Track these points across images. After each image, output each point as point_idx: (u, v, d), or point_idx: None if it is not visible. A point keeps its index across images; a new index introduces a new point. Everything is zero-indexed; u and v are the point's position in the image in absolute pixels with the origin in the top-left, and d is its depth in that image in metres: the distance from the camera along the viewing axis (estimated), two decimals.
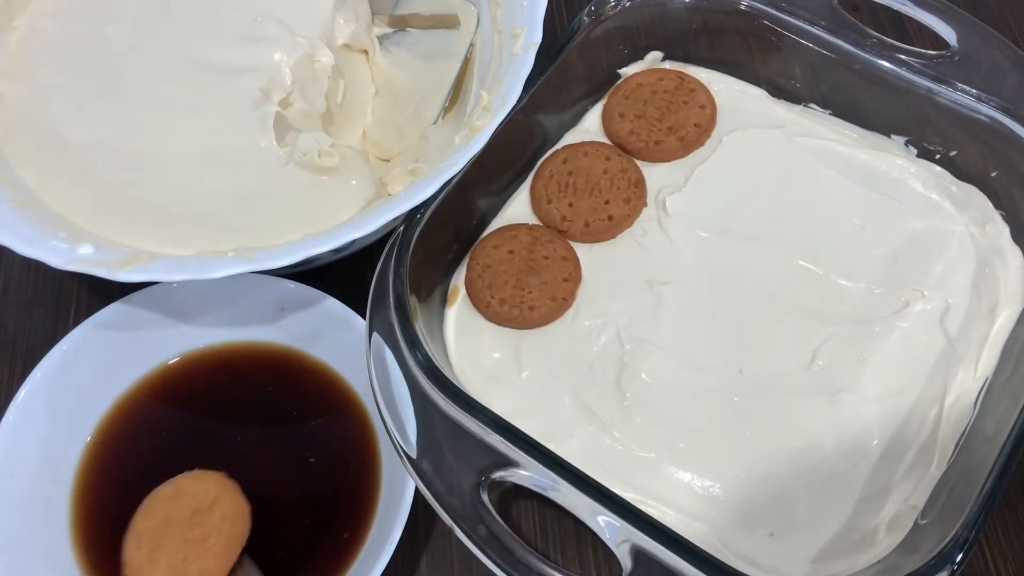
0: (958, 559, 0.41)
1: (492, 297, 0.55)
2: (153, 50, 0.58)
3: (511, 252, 0.56)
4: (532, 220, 0.59)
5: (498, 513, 0.43)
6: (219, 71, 0.56)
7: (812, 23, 0.60)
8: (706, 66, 0.64)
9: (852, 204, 0.58)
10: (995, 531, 0.54)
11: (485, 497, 0.44)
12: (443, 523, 0.44)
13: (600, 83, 0.63)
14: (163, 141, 0.55)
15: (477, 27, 0.61)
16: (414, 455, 0.45)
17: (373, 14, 0.63)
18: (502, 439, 0.44)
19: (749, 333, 0.54)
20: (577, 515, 0.43)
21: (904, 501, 0.49)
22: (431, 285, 0.54)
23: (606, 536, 0.43)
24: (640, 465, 0.50)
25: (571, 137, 0.62)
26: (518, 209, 0.59)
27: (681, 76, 0.63)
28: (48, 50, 0.58)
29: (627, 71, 0.64)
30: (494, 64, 0.57)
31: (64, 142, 0.55)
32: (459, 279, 0.57)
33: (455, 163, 0.51)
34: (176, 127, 0.55)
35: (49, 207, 0.53)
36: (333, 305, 0.53)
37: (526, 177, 0.60)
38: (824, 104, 0.62)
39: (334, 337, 0.54)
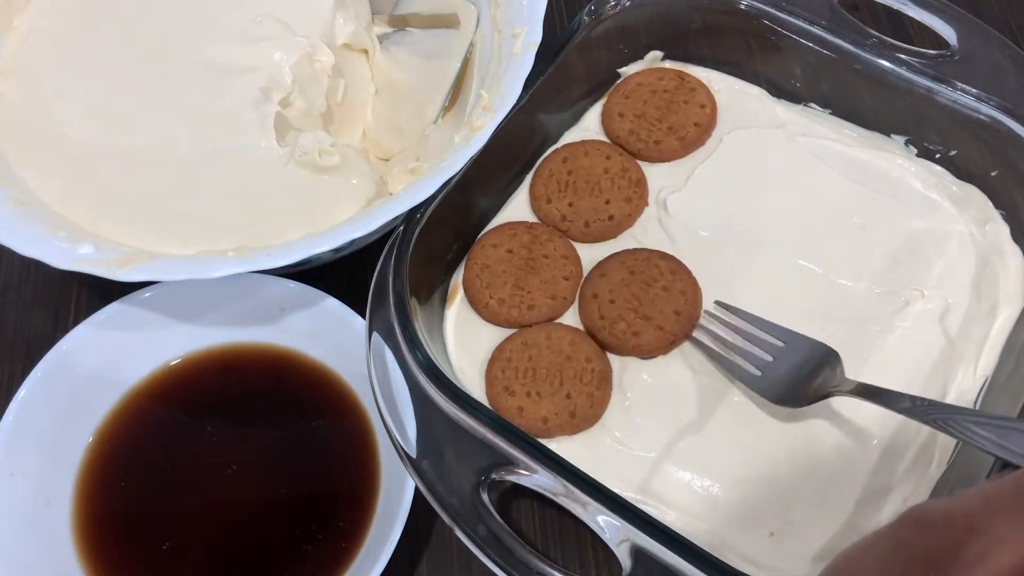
0: None
1: (491, 297, 0.55)
2: (153, 50, 0.58)
3: (510, 251, 0.56)
4: (532, 219, 0.59)
5: (498, 513, 0.43)
6: (219, 70, 0.56)
7: (812, 23, 0.60)
8: (706, 66, 0.64)
9: (852, 203, 0.58)
10: None
11: (485, 497, 0.44)
12: (443, 523, 0.44)
13: (600, 82, 0.63)
14: (163, 141, 0.55)
15: (477, 27, 0.61)
16: (414, 455, 0.45)
17: (373, 14, 0.63)
18: (502, 439, 0.44)
19: None
20: (577, 515, 0.43)
21: (904, 501, 0.49)
22: (431, 285, 0.54)
23: (606, 536, 0.43)
24: (640, 465, 0.50)
25: (571, 136, 0.61)
26: (518, 208, 0.59)
27: (681, 76, 0.63)
28: (48, 50, 0.58)
29: (627, 70, 0.64)
30: (494, 63, 0.57)
31: (64, 141, 0.55)
32: (458, 279, 0.57)
33: (455, 162, 0.51)
34: (176, 127, 0.55)
35: (49, 207, 0.53)
36: (333, 305, 0.53)
37: (526, 176, 0.60)
38: (824, 104, 0.62)
39: (334, 337, 0.54)
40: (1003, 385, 0.51)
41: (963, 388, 0.52)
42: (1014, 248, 0.56)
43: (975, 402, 0.51)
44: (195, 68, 0.57)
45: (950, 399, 0.52)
